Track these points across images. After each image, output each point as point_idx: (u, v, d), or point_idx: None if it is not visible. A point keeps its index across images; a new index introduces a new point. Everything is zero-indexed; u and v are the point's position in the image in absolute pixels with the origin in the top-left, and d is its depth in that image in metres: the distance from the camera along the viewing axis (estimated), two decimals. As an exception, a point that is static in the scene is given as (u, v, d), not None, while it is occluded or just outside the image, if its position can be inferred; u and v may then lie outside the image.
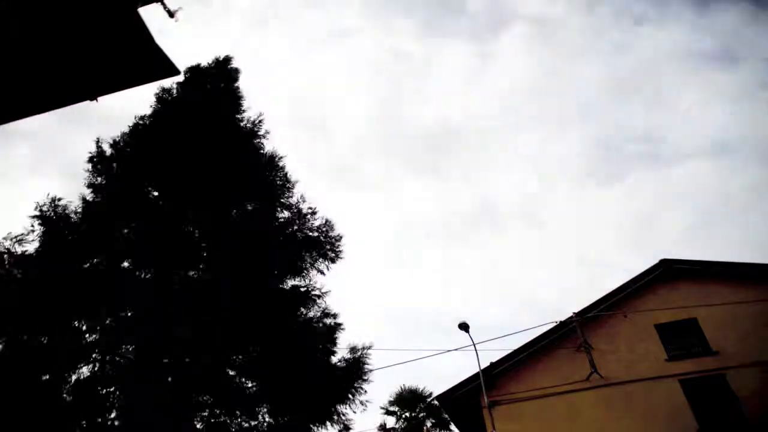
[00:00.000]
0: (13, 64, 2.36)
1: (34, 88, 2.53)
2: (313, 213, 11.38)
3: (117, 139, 11.24)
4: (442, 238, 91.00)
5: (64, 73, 2.50)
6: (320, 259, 11.19)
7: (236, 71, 12.79)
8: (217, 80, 12.52)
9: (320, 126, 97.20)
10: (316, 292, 10.71)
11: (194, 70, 12.47)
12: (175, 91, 12.21)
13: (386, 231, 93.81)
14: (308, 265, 11.10)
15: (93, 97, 2.61)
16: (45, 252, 9.34)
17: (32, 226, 9.54)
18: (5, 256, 9.09)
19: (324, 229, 11.31)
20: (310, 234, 11.24)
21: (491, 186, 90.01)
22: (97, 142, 10.98)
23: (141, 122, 11.65)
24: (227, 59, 12.83)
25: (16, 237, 9.41)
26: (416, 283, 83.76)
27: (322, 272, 11.16)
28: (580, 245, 74.90)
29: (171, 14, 2.56)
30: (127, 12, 2.29)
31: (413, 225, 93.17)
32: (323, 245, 11.22)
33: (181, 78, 12.25)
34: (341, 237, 11.31)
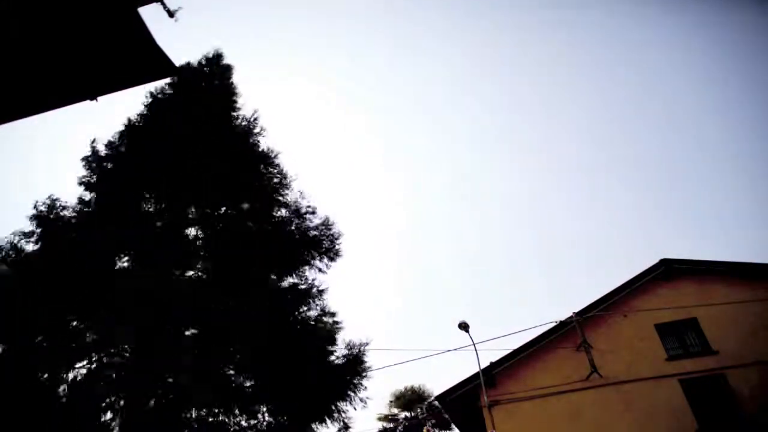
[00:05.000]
0: (13, 64, 2.36)
1: (34, 88, 2.53)
2: (313, 212, 11.26)
3: (111, 140, 11.22)
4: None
5: (64, 73, 2.50)
6: (319, 258, 11.08)
7: (229, 68, 12.63)
8: (211, 77, 12.37)
9: (322, 117, 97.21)
10: (315, 291, 10.64)
11: (187, 68, 12.30)
12: (168, 89, 12.06)
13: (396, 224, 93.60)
14: (307, 263, 11.03)
15: (93, 97, 2.62)
16: (43, 252, 9.33)
17: (31, 229, 9.55)
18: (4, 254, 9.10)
19: (323, 226, 11.19)
20: (309, 232, 11.13)
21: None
22: (92, 142, 10.95)
23: (134, 121, 11.54)
24: (219, 55, 12.64)
25: (17, 235, 9.42)
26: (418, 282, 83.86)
27: (322, 270, 11.06)
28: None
29: (171, 14, 2.57)
30: (127, 12, 2.29)
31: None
32: (322, 243, 11.10)
33: (174, 76, 12.15)
34: (341, 235, 11.20)
